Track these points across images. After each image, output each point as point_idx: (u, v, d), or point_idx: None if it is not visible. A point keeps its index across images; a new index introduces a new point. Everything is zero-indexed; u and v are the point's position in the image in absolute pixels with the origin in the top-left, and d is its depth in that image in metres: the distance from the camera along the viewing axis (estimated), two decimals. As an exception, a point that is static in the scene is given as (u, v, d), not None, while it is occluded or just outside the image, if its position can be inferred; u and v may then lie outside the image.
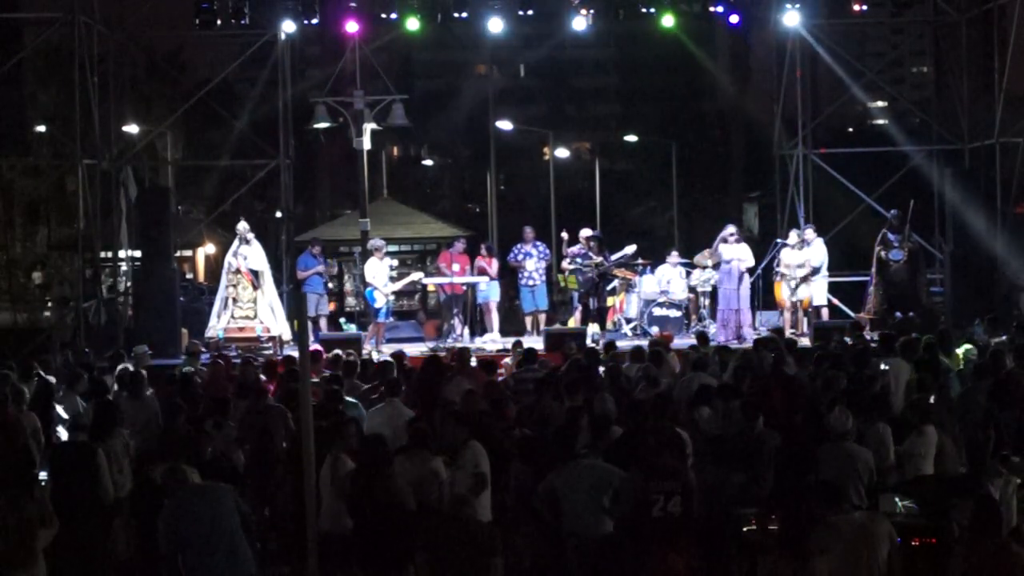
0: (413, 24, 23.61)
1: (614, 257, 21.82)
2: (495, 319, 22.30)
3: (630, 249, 21.99)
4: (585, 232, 21.94)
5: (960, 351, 16.00)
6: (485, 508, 10.02)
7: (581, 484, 9.76)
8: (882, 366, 14.33)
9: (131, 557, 9.78)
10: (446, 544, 8.44)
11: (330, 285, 24.14)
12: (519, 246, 22.39)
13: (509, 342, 19.00)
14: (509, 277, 23.77)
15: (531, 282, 22.15)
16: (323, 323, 22.18)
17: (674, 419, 11.53)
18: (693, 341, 17.65)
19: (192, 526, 8.85)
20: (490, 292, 22.23)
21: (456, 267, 21.70)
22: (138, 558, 9.60)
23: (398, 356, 15.84)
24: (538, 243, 22.64)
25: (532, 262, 22.11)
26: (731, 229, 21.48)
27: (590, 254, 21.38)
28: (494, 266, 22.27)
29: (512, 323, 23.46)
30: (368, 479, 9.53)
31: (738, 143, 43.32)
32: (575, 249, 21.64)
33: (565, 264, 22.01)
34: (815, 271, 21.57)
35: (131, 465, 10.91)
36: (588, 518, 9.66)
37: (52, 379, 14.70)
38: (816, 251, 21.76)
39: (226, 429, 11.95)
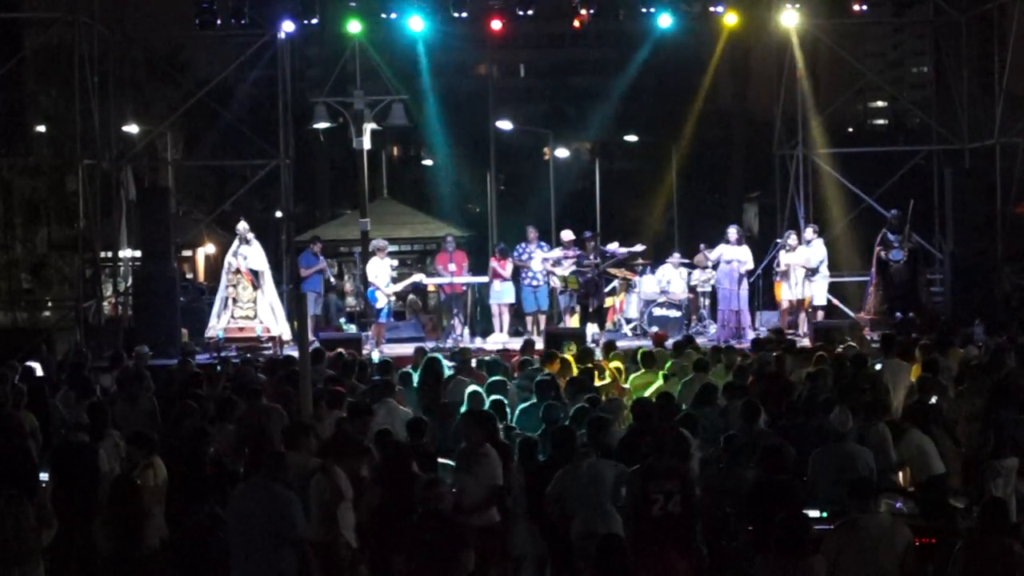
0: (418, 24, 23.56)
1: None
2: (506, 320, 22.29)
3: (612, 247, 21.94)
4: (567, 235, 21.97)
5: (958, 351, 15.99)
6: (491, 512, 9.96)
7: (587, 483, 9.75)
8: (877, 366, 14.33)
9: (111, 555, 9.70)
10: (418, 539, 8.36)
11: (333, 281, 24.07)
12: (523, 246, 22.37)
13: (511, 342, 18.96)
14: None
15: (535, 282, 22.13)
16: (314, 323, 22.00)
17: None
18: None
19: (238, 522, 8.91)
20: (503, 294, 22.21)
21: (452, 267, 21.67)
22: (117, 556, 9.55)
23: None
24: (542, 243, 22.64)
25: (537, 262, 22.09)
26: (734, 230, 21.51)
27: (587, 255, 21.36)
28: (508, 268, 22.23)
29: (513, 322, 23.38)
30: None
31: (738, 143, 43.18)
32: (571, 253, 21.62)
33: (558, 270, 21.93)
34: (813, 271, 21.56)
35: (121, 466, 10.90)
36: (599, 517, 9.65)
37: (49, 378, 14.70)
38: (816, 251, 21.76)
39: (224, 431, 11.92)
